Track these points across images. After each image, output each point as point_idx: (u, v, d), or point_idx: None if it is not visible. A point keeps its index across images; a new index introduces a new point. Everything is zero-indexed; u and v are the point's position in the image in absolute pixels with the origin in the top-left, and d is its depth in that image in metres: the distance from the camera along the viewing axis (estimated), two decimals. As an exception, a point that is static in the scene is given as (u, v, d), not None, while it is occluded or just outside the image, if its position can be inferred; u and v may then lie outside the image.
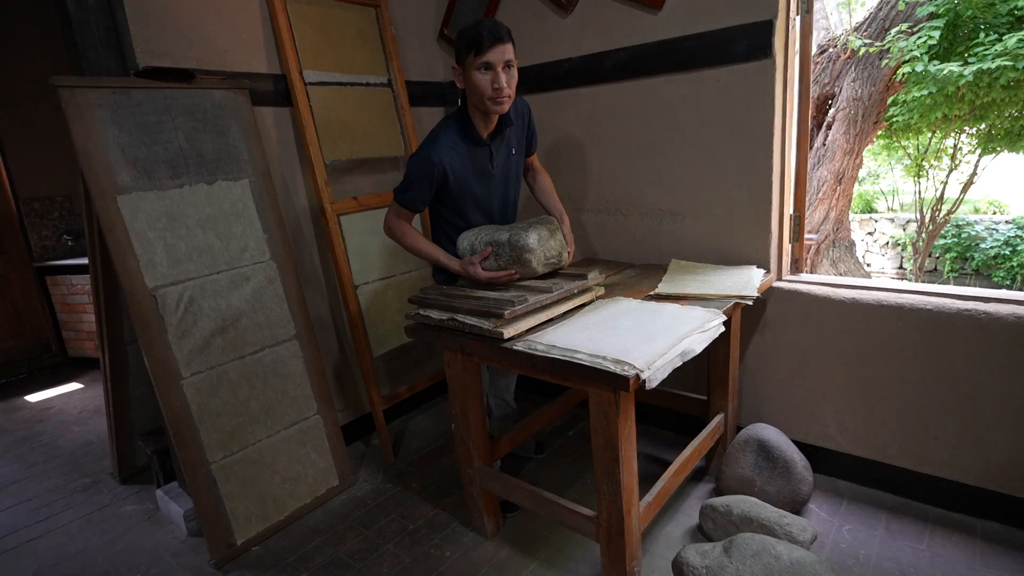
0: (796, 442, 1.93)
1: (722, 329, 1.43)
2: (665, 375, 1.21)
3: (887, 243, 8.29)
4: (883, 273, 7.88)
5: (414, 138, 2.42)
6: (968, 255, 7.33)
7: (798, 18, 1.81)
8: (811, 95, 1.90)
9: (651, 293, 1.70)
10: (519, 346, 1.36)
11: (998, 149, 4.53)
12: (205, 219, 1.81)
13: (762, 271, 1.87)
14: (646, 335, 1.33)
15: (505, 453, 1.89)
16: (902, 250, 8.07)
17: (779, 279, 1.97)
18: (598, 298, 1.67)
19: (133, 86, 1.68)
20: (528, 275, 1.58)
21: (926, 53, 3.72)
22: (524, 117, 1.77)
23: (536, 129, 1.84)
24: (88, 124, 1.59)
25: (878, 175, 9.76)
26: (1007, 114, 4.12)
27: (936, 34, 3.62)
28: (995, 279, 6.92)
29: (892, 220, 8.32)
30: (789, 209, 1.95)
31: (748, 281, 1.74)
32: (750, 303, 1.59)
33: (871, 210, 9.61)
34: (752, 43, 1.79)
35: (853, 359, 1.84)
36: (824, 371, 1.90)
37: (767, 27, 1.76)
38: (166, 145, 1.74)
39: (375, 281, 2.29)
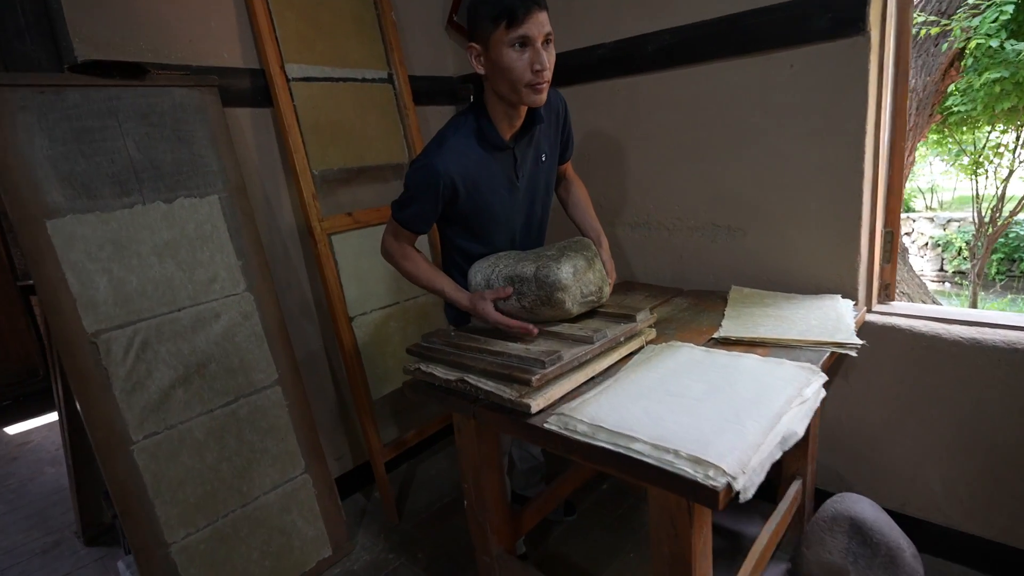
0: (889, 511, 1.55)
1: (823, 395, 1.07)
2: (763, 478, 0.85)
3: (926, 244, 7.81)
4: (922, 275, 7.40)
5: (419, 142, 2.08)
6: (1017, 256, 6.86)
7: (896, -17, 1.43)
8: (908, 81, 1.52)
9: (715, 336, 1.34)
10: (552, 423, 1.00)
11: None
12: (163, 245, 1.49)
13: (849, 302, 1.49)
14: (728, 411, 0.96)
15: (531, 527, 1.54)
16: (942, 251, 7.58)
17: (870, 310, 1.59)
18: (648, 342, 1.31)
19: (68, 84, 1.36)
20: (559, 318, 1.23)
21: (1003, 28, 3.29)
22: (559, 113, 1.41)
23: (572, 129, 1.48)
24: (7, 132, 1.28)
25: (915, 172, 9.26)
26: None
27: (1010, 9, 3.19)
28: (1045, 281, 6.47)
29: (932, 220, 7.83)
30: (880, 223, 1.57)
31: (839, 319, 1.36)
32: (853, 353, 1.21)
33: (908, 209, 9.10)
34: (839, 15, 1.42)
35: (970, 414, 1.45)
36: (931, 428, 1.52)
37: (860, -5, 1.38)
38: (112, 156, 1.42)
39: (375, 311, 1.96)
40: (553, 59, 1.18)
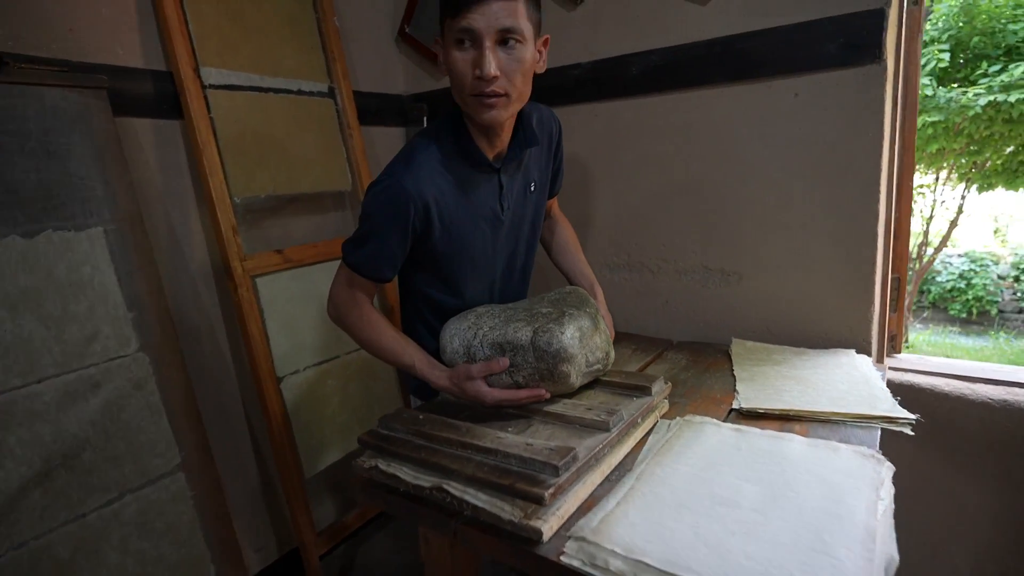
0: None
1: (892, 490, 0.85)
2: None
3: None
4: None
5: (364, 166, 1.79)
6: (924, 288, 7.32)
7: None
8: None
9: (736, 407, 1.11)
10: (572, 556, 0.72)
11: (994, 184, 4.30)
12: (18, 294, 1.10)
13: (867, 359, 1.32)
14: (806, 531, 0.73)
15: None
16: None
17: (881, 365, 1.43)
18: (661, 416, 1.07)
19: None
20: (557, 394, 0.97)
21: (935, 78, 3.42)
22: (551, 136, 1.18)
23: (563, 157, 1.25)
24: None
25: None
26: (1006, 150, 3.88)
27: (946, 57, 3.32)
28: (951, 312, 6.92)
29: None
30: (888, 269, 1.42)
31: (869, 383, 1.17)
32: (906, 431, 1.02)
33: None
34: (851, 41, 1.27)
35: (1000, 484, 1.30)
36: (954, 499, 1.36)
37: (877, 19, 1.24)
38: (-57, 174, 1.04)
39: (308, 368, 1.61)
40: (523, 65, 0.92)
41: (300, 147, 1.63)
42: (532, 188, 1.14)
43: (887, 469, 0.88)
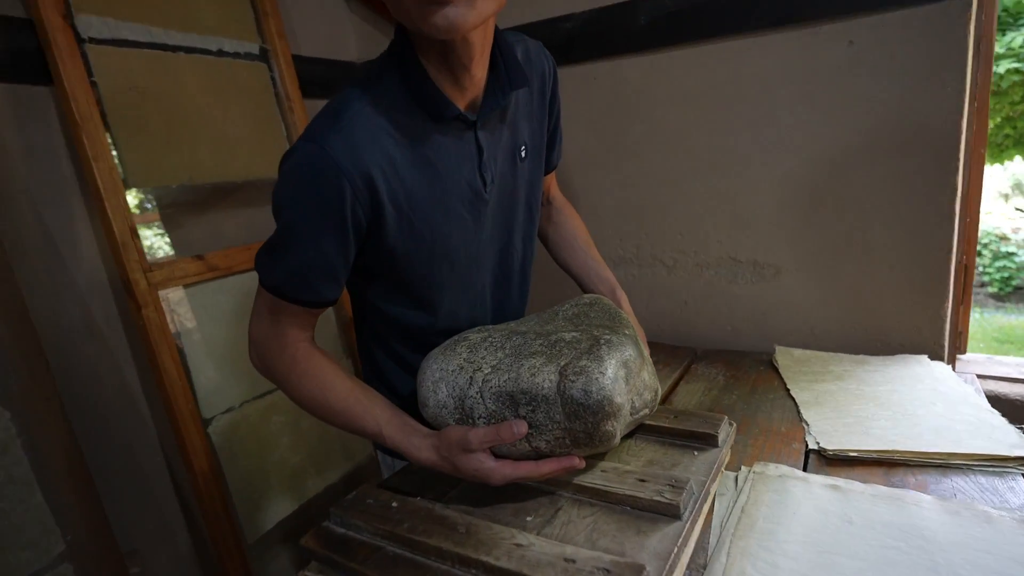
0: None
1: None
2: None
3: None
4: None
5: (311, 148, 1.44)
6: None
7: (985, -67, 1.05)
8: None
9: (817, 448, 0.84)
10: None
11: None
12: None
13: (945, 367, 1.07)
14: None
15: None
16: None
17: (956, 368, 1.18)
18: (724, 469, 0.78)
19: None
20: (599, 452, 0.67)
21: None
22: (544, 78, 0.85)
23: (560, 111, 0.93)
24: None
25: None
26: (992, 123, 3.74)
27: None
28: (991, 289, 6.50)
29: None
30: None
31: (977, 407, 0.92)
32: (1054, 476, 0.76)
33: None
34: (924, -30, 1.01)
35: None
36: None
37: (959, -62, 0.98)
38: None
39: (247, 403, 1.27)
40: None
41: (225, 123, 1.28)
42: (523, 153, 0.82)
43: (1065, 545, 0.61)
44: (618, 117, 1.35)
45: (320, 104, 1.56)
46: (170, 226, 1.24)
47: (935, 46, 1.03)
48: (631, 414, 0.66)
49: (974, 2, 1.00)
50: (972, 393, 0.96)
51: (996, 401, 1.11)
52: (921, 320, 1.14)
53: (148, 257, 1.11)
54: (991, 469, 0.77)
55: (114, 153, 1.08)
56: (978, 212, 1.20)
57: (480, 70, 0.70)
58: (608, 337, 0.66)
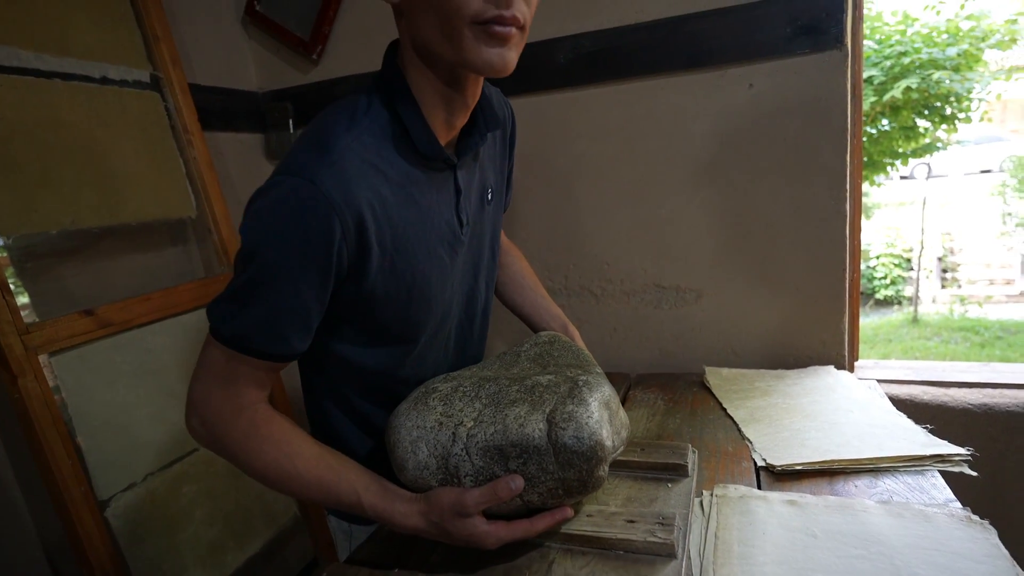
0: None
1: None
2: None
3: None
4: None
5: (212, 183, 1.32)
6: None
7: (851, -6, 1.21)
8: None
9: (766, 464, 0.89)
10: None
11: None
12: None
13: (849, 375, 1.19)
14: None
15: None
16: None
17: (854, 374, 1.31)
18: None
19: None
20: (582, 495, 0.65)
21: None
22: (506, 128, 0.88)
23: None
24: None
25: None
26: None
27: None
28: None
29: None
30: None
31: (883, 410, 1.02)
32: (967, 471, 0.85)
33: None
34: (809, 24, 1.14)
35: (988, 487, 1.23)
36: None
37: (836, 1, 1.11)
38: None
39: (152, 476, 1.11)
40: (534, 4, 0.62)
41: (113, 159, 1.13)
42: (489, 196, 0.82)
43: (991, 534, 0.69)
44: (542, 150, 1.38)
45: (220, 136, 1.45)
46: (49, 278, 1.07)
47: (821, 89, 1.16)
48: (612, 453, 0.66)
49: (850, 52, 1.15)
50: (877, 398, 1.08)
51: (899, 402, 1.24)
52: (824, 334, 1.26)
53: (25, 316, 0.94)
54: (912, 468, 0.85)
55: (-24, 196, 0.91)
56: (859, 233, 1.36)
57: (463, 110, 0.70)
58: (584, 378, 0.65)
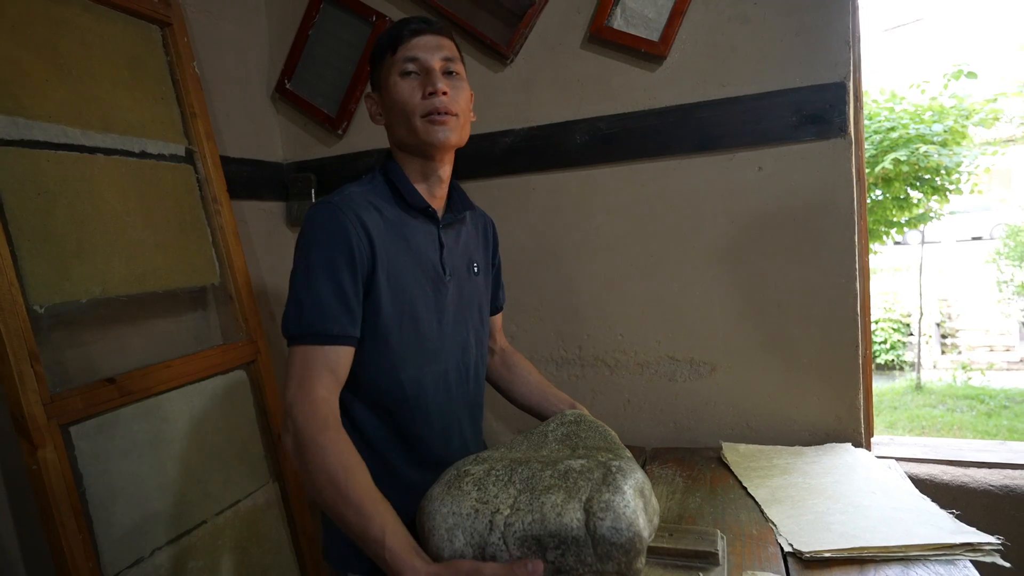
0: None
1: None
2: None
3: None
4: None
5: (237, 251, 1.35)
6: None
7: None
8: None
9: (794, 551, 0.87)
10: None
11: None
12: None
13: (867, 454, 1.19)
14: None
15: None
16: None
17: (872, 452, 1.30)
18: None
19: None
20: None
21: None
22: (487, 235, 1.09)
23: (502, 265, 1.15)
24: None
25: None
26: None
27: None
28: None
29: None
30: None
31: (901, 489, 1.01)
32: (1000, 562, 0.84)
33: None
34: (814, 114, 1.21)
35: (1011, 578, 1.20)
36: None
37: (839, 92, 1.19)
38: None
39: (159, 550, 1.08)
40: (464, 95, 0.92)
41: (145, 229, 1.17)
42: (476, 269, 1.01)
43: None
44: (556, 224, 1.43)
45: (244, 205, 1.50)
46: (72, 344, 1.08)
47: (827, 174, 1.22)
48: (649, 542, 0.65)
49: (854, 140, 1.21)
50: (899, 479, 1.07)
51: (919, 482, 1.23)
52: (840, 409, 1.27)
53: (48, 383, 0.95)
54: (943, 557, 0.84)
55: (14, 267, 0.94)
56: (869, 311, 1.38)
57: (440, 184, 0.94)
58: (617, 464, 0.65)
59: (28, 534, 1.01)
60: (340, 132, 1.57)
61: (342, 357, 0.78)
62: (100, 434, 1.01)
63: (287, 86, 1.60)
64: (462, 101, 0.90)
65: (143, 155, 1.19)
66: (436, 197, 0.94)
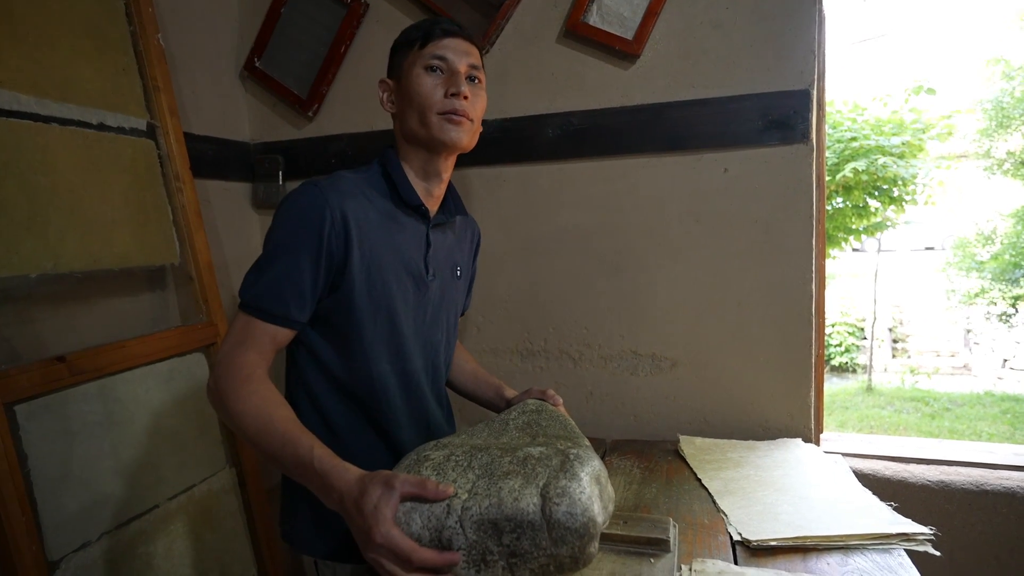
0: None
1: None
2: None
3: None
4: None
5: (198, 230, 1.32)
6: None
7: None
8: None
9: (741, 539, 0.90)
10: None
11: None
12: None
13: (816, 448, 1.24)
14: None
15: None
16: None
17: (820, 447, 1.36)
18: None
19: None
20: (573, 572, 0.66)
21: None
22: (472, 241, 1.12)
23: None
24: None
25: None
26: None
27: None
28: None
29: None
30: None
31: (843, 481, 1.06)
32: (930, 550, 0.89)
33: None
34: (779, 119, 1.24)
35: (944, 569, 1.27)
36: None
37: (803, 99, 1.23)
38: None
39: (106, 535, 1.05)
40: (482, 103, 0.95)
41: (102, 204, 1.13)
42: (458, 272, 1.04)
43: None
44: (526, 217, 1.43)
45: (208, 184, 1.46)
46: (21, 321, 1.04)
47: (789, 178, 1.26)
48: (602, 528, 0.67)
49: (815, 147, 1.25)
50: (844, 473, 1.12)
51: (862, 476, 1.28)
52: (792, 407, 1.31)
53: (-7, 362, 0.91)
54: (879, 546, 0.88)
55: (-41, 237, 0.90)
56: (824, 312, 1.44)
57: (439, 183, 0.96)
58: (575, 451, 0.67)
59: (-33, 516, 0.97)
60: (311, 114, 1.54)
61: (280, 336, 0.82)
62: (48, 414, 0.98)
63: (257, 64, 1.56)
64: (479, 108, 0.93)
65: (101, 127, 1.15)
66: (433, 196, 0.96)
